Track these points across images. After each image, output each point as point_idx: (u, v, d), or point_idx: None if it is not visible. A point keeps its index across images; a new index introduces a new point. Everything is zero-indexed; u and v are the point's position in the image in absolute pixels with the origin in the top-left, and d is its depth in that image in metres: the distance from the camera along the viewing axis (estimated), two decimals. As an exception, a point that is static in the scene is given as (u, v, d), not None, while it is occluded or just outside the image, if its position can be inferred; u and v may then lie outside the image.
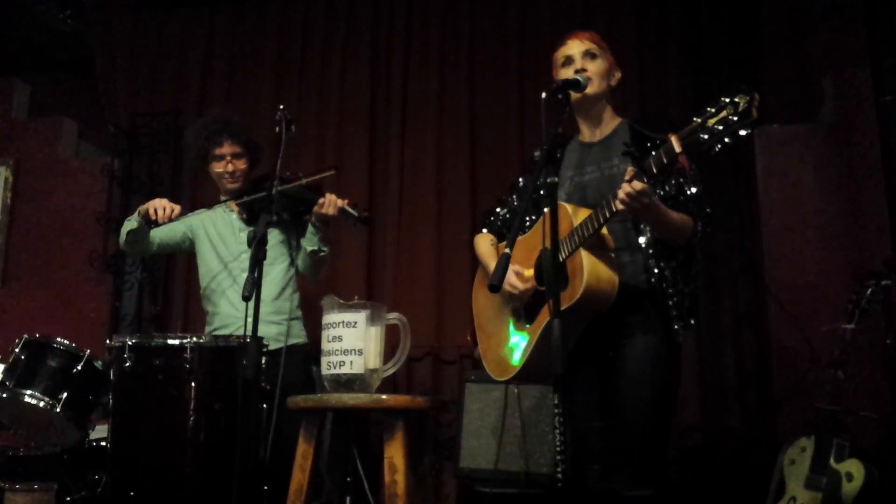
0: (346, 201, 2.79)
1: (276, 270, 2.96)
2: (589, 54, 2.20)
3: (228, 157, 2.98)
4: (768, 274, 3.47)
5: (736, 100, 1.70)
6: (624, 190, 1.87)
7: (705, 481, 3.26)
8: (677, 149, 1.78)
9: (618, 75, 2.26)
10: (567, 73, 2.18)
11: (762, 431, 3.37)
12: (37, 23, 4.63)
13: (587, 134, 2.28)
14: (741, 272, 3.59)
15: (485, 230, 2.46)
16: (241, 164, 2.99)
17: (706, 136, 1.74)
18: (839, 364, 2.85)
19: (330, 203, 2.76)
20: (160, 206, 2.80)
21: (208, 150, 2.99)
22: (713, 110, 1.74)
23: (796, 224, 3.49)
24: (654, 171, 1.85)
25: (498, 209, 2.45)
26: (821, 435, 2.80)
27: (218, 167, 2.99)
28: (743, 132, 1.70)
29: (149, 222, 2.83)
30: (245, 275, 2.91)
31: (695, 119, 1.76)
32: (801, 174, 3.53)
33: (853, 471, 2.73)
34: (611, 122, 2.25)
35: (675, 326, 2.06)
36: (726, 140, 1.73)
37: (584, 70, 2.16)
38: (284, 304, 2.94)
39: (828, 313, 3.20)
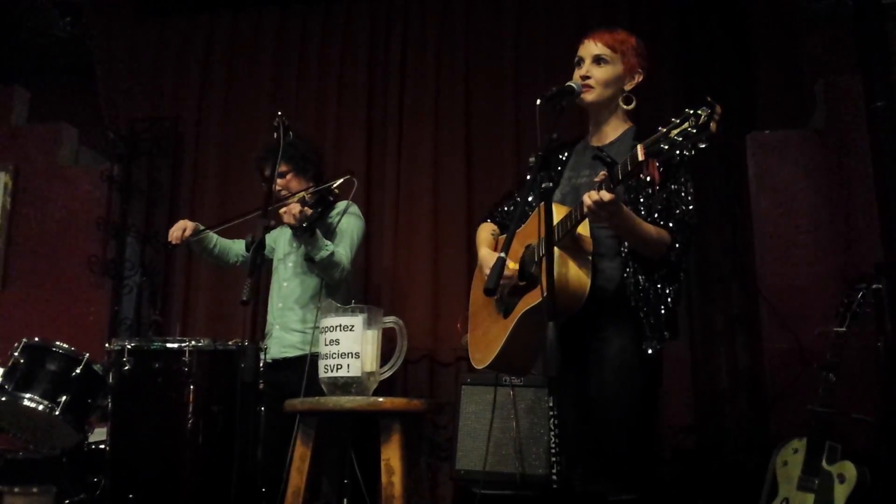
0: (307, 209, 2.77)
1: (310, 279, 3.01)
2: (598, 60, 2.18)
3: (275, 179, 3.02)
4: (760, 277, 3.50)
5: (698, 112, 1.69)
6: (591, 197, 1.88)
7: (698, 482, 3.27)
8: (640, 157, 1.78)
9: (638, 78, 2.23)
10: (576, 74, 2.19)
11: (755, 433, 3.39)
12: (37, 29, 4.65)
13: (594, 137, 2.29)
14: (733, 275, 3.61)
15: (488, 220, 2.48)
16: (285, 182, 3.06)
17: (667, 147, 1.73)
18: (831, 366, 2.87)
19: (286, 212, 2.77)
20: (175, 227, 2.96)
21: (261, 175, 3.13)
22: (677, 121, 1.73)
23: (788, 228, 3.52)
24: (620, 177, 1.85)
25: (506, 202, 2.48)
26: (813, 437, 2.82)
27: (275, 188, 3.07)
28: (702, 145, 1.69)
29: (166, 244, 2.98)
30: (285, 284, 3.02)
31: (660, 128, 1.76)
32: (793, 179, 3.56)
33: (845, 472, 2.75)
34: (618, 129, 2.24)
35: (648, 338, 2.04)
36: (685, 152, 1.72)
37: (588, 77, 2.17)
38: (310, 313, 2.95)
39: (819, 316, 3.22)
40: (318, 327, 2.86)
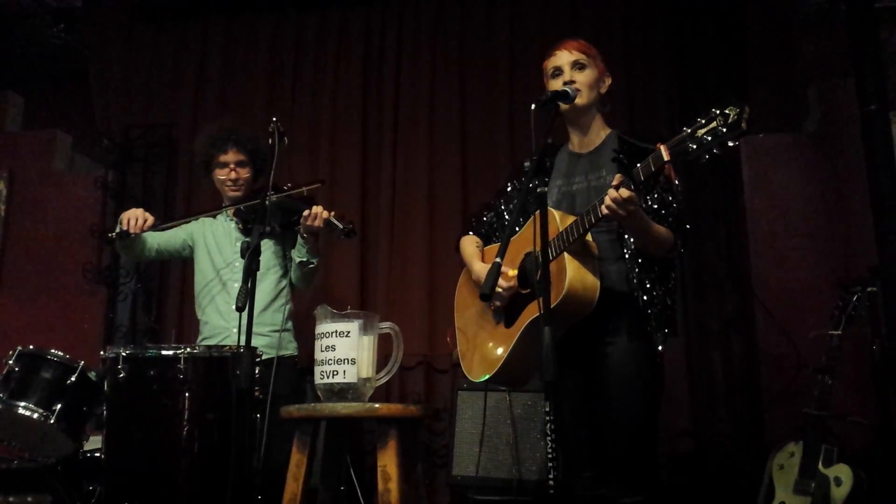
0: (332, 213, 2.78)
1: (268, 281, 2.96)
2: (577, 65, 2.21)
3: (232, 165, 2.97)
4: (755, 281, 3.51)
5: (726, 111, 1.72)
6: (610, 196, 1.90)
7: (695, 486, 3.28)
8: (665, 157, 1.81)
9: (608, 81, 2.27)
10: (556, 84, 2.20)
11: (751, 437, 3.40)
12: (30, 36, 4.65)
13: (577, 144, 2.30)
14: (728, 279, 3.63)
15: (471, 232, 2.48)
16: (244, 173, 2.99)
17: (694, 146, 1.77)
18: (826, 370, 2.89)
19: (316, 215, 2.74)
20: (132, 216, 2.83)
21: (213, 156, 3.00)
22: (703, 121, 1.76)
23: (782, 231, 3.53)
24: (642, 178, 1.87)
25: (485, 213, 2.48)
26: (809, 440, 2.84)
27: (221, 174, 3.01)
28: (731, 143, 1.73)
29: (122, 232, 2.85)
30: (236, 285, 2.94)
31: (684, 129, 1.79)
32: (787, 182, 3.57)
33: (842, 475, 2.76)
34: (600, 133, 2.27)
35: (655, 335, 2.08)
36: (714, 151, 1.75)
37: (572, 82, 2.18)
38: (274, 316, 2.94)
39: (814, 319, 3.24)
40: (284, 331, 2.92)
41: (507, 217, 2.38)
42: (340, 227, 2.77)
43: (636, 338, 2.09)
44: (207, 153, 3.02)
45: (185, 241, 3.12)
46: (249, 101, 4.21)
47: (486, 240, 2.46)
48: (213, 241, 3.06)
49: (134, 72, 4.39)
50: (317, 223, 2.74)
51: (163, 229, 3.03)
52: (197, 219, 3.11)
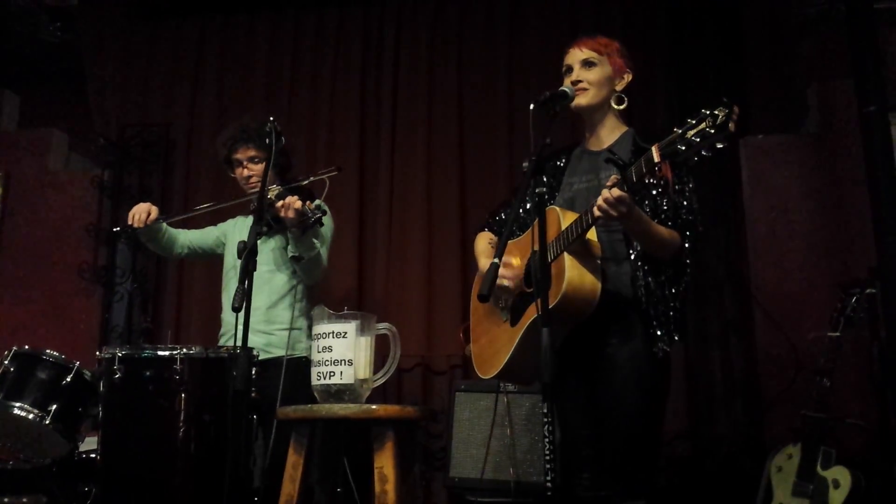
0: (308, 202, 2.68)
1: (278, 279, 2.92)
2: (587, 63, 2.21)
3: (245, 162, 2.96)
4: (754, 282, 3.50)
5: (715, 112, 1.71)
6: (603, 196, 1.89)
7: (693, 489, 3.28)
8: (656, 158, 1.80)
9: (627, 78, 2.25)
10: (566, 82, 2.21)
11: (749, 439, 3.39)
12: (26, 34, 4.62)
13: (590, 141, 2.30)
14: (727, 280, 3.62)
15: (486, 229, 2.48)
16: (258, 169, 2.94)
17: (684, 148, 1.75)
18: (825, 371, 2.89)
19: (285, 207, 2.66)
20: (136, 211, 2.84)
21: (229, 156, 3.01)
22: (693, 122, 1.75)
23: (781, 233, 3.52)
24: (634, 179, 1.86)
25: (501, 210, 2.48)
26: (807, 442, 2.83)
27: (236, 172, 3.01)
28: (720, 145, 1.71)
29: (125, 227, 2.86)
30: (247, 283, 2.92)
31: (675, 130, 1.78)
32: (786, 183, 3.57)
33: (840, 478, 2.75)
34: (614, 132, 2.25)
35: (658, 340, 2.05)
36: (703, 152, 1.74)
37: (580, 81, 2.19)
38: (281, 314, 2.89)
39: (813, 321, 3.24)
40: (292, 329, 2.84)
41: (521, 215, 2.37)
42: (310, 215, 2.65)
43: (639, 341, 2.06)
44: (223, 153, 3.03)
45: (219, 238, 3.13)
46: (247, 100, 4.20)
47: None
48: (236, 240, 2.99)
49: (130, 70, 4.38)
50: (289, 214, 2.66)
51: (170, 222, 3.01)
52: (196, 211, 3.08)
